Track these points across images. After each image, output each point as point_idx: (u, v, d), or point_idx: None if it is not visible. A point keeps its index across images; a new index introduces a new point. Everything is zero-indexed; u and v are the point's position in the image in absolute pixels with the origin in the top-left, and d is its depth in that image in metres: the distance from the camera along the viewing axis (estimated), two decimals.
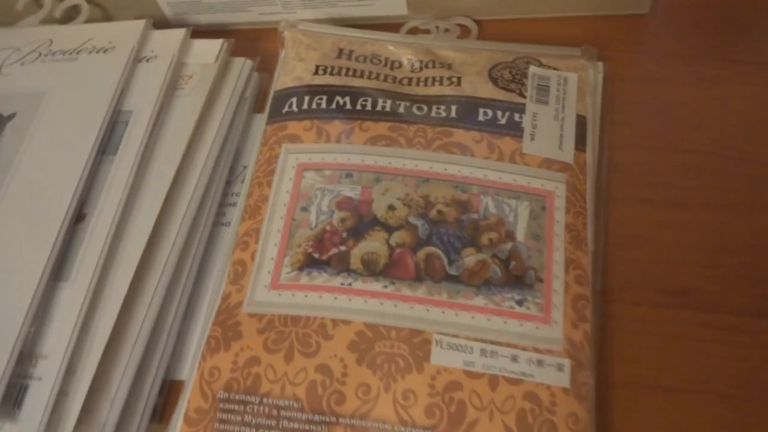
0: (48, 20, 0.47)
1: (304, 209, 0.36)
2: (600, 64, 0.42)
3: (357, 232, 0.35)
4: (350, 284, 0.34)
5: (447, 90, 0.40)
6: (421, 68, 0.41)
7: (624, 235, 0.38)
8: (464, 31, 0.45)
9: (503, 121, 0.38)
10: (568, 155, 0.38)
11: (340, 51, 0.42)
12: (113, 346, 0.34)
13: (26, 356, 0.33)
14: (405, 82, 0.41)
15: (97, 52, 0.42)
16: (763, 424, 0.33)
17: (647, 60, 0.43)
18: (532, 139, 0.38)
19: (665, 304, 0.36)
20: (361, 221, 0.36)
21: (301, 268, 0.35)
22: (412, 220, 0.36)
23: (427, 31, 0.45)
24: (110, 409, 0.33)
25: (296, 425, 0.31)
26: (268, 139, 0.39)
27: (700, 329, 0.35)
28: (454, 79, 0.40)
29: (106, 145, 0.39)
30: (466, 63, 0.41)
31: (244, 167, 0.41)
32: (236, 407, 0.32)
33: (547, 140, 0.38)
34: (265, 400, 0.32)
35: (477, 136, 0.38)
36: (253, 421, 0.32)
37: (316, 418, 0.31)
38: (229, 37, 0.44)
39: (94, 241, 0.36)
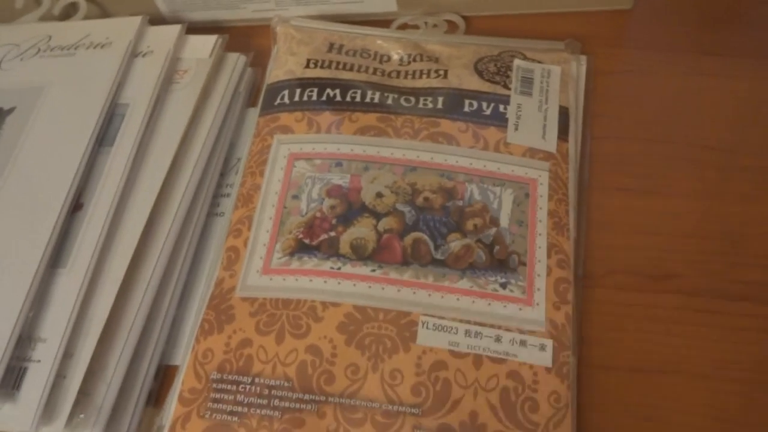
0: (46, 17, 0.48)
1: (295, 197, 0.37)
2: (583, 57, 0.43)
3: (346, 219, 0.36)
4: (339, 268, 0.35)
5: (434, 82, 0.41)
6: (409, 62, 0.42)
7: (605, 222, 0.38)
8: (452, 27, 0.46)
9: (488, 112, 0.39)
10: (551, 145, 0.39)
11: (331, 45, 0.43)
12: (110, 330, 0.34)
13: (25, 339, 0.33)
14: (393, 75, 0.41)
15: (95, 47, 0.43)
16: (741, 404, 0.33)
17: (629, 54, 0.44)
18: (516, 129, 0.39)
19: (645, 288, 0.36)
20: (350, 208, 0.37)
21: (292, 254, 0.36)
22: (400, 206, 0.37)
23: (416, 27, 0.46)
24: (106, 392, 0.33)
25: (287, 404, 0.32)
26: (260, 130, 0.40)
27: (679, 312, 0.36)
28: (441, 72, 0.41)
29: (103, 137, 0.39)
30: (453, 56, 0.42)
31: (238, 159, 0.42)
32: (229, 387, 0.33)
33: (530, 130, 0.39)
34: (256, 380, 0.33)
35: (463, 126, 0.39)
36: (245, 401, 0.32)
37: (306, 397, 0.32)
38: (224, 34, 0.44)
39: (91, 229, 0.36)
